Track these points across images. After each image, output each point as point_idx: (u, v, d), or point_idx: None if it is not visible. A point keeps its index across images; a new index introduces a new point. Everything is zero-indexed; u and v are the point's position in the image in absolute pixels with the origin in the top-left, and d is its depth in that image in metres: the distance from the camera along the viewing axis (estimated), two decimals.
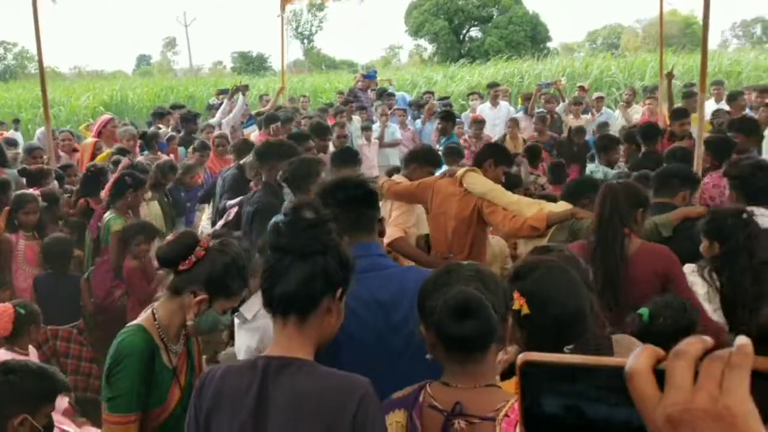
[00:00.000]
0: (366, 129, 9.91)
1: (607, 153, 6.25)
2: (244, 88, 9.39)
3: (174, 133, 8.96)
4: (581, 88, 12.57)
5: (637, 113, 10.11)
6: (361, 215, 2.19)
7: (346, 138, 8.02)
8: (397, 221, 4.31)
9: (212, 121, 9.28)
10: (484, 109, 11.04)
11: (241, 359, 2.75)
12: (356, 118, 10.46)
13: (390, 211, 4.34)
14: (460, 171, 4.20)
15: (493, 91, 11.21)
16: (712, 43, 38.79)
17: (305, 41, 49.25)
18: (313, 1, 43.85)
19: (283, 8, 9.96)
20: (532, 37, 40.00)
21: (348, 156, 5.39)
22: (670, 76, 8.45)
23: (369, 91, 12.33)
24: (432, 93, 13.31)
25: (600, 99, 11.15)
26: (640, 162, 5.72)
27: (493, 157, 4.38)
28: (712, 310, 3.10)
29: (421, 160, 4.70)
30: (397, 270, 2.20)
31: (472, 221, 4.04)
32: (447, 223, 4.09)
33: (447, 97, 14.05)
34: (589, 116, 10.46)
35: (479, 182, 4.08)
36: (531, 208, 3.85)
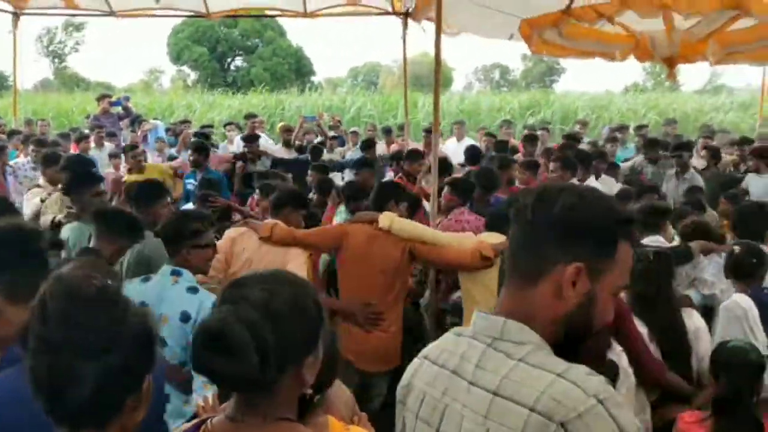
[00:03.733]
0: (114, 157, 9.26)
1: None
2: None
3: None
4: (338, 121, 13.02)
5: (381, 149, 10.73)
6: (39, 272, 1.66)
7: None
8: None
9: None
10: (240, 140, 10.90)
11: None
12: (108, 145, 9.76)
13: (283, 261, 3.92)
14: (386, 218, 4.09)
15: (251, 122, 11.14)
16: (458, 86, 42.60)
17: (56, 60, 45.44)
18: (69, 21, 41.09)
19: (15, 24, 9.06)
20: (297, 70, 40.87)
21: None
22: None
23: (117, 117, 11.54)
24: (189, 122, 12.90)
25: (355, 134, 11.58)
26: None
27: (394, 196, 4.45)
28: (654, 349, 3.23)
29: (294, 203, 4.37)
30: None
31: (401, 265, 4.02)
32: (370, 268, 3.98)
33: (210, 126, 13.64)
34: (344, 148, 10.87)
35: (408, 225, 4.06)
36: (470, 241, 3.95)
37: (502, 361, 1.35)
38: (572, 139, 9.48)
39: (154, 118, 13.84)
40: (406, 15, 8.65)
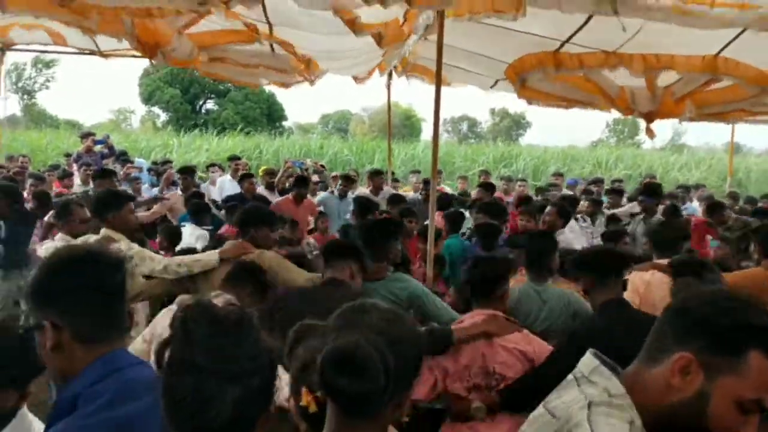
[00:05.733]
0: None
1: None
2: None
3: None
4: (322, 166, 13.19)
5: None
6: (113, 312, 1.67)
7: None
8: None
9: None
10: (224, 181, 10.94)
11: None
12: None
13: None
14: None
15: (234, 164, 11.19)
16: (426, 136, 43.34)
17: (25, 96, 45.06)
18: (39, 57, 40.88)
19: (0, 59, 9.12)
20: (268, 115, 41.12)
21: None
22: None
23: (101, 156, 11.55)
24: (171, 161, 12.93)
25: (336, 178, 11.74)
26: None
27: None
28: None
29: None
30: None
31: None
32: None
33: (193, 167, 13.61)
34: (327, 194, 11.01)
35: None
36: None
37: (567, 389, 1.53)
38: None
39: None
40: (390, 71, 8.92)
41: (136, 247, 4.15)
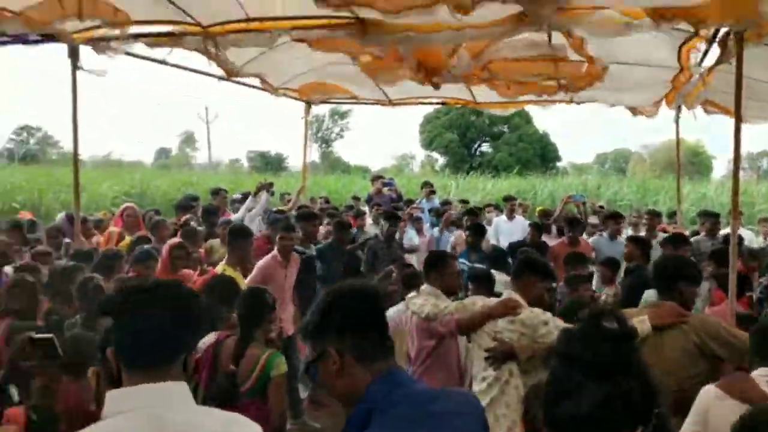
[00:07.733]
0: None
1: None
2: (269, 186, 9.51)
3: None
4: (600, 207, 12.76)
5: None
6: (383, 335, 1.86)
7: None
8: None
9: (234, 216, 9.23)
10: (500, 221, 11.08)
11: None
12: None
13: None
14: None
15: (510, 204, 11.25)
16: (718, 173, 39.59)
17: (323, 145, 50.79)
18: (335, 109, 46.03)
19: (307, 111, 10.38)
20: (542, 156, 41.08)
21: None
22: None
23: (390, 199, 12.50)
24: (450, 203, 13.44)
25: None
26: None
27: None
28: None
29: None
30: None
31: None
32: None
33: (480, 208, 13.84)
34: (597, 236, 10.48)
35: None
36: None
37: None
38: None
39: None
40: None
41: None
